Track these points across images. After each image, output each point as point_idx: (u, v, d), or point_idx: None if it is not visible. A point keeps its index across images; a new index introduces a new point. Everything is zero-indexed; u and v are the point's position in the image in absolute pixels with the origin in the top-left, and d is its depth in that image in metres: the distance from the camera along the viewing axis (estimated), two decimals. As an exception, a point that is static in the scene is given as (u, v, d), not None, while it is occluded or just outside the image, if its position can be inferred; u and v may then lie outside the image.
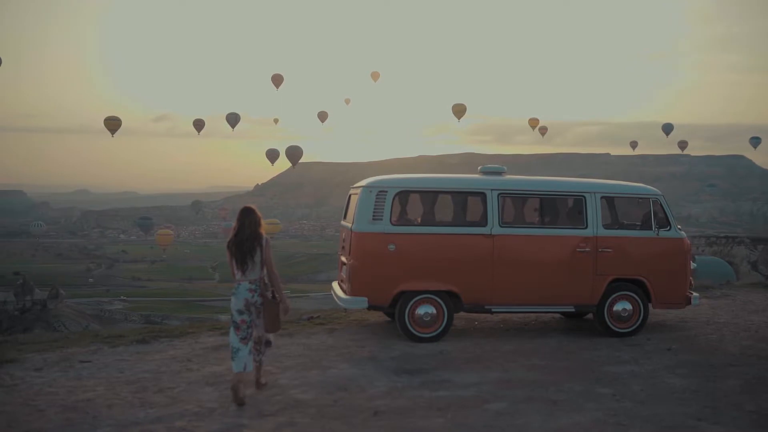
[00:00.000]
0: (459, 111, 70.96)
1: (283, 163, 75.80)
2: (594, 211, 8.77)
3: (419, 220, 8.83)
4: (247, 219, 6.28)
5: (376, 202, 8.44)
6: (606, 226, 8.88)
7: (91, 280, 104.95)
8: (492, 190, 8.63)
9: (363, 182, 8.87)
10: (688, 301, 9.06)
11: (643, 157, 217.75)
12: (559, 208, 9.16)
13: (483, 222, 8.58)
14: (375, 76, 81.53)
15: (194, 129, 78.66)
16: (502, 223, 8.60)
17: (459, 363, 7.50)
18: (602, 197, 8.89)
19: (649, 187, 9.34)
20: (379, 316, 9.70)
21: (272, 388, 6.46)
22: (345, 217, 9.30)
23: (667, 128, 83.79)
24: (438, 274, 8.44)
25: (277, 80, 70.18)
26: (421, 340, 8.37)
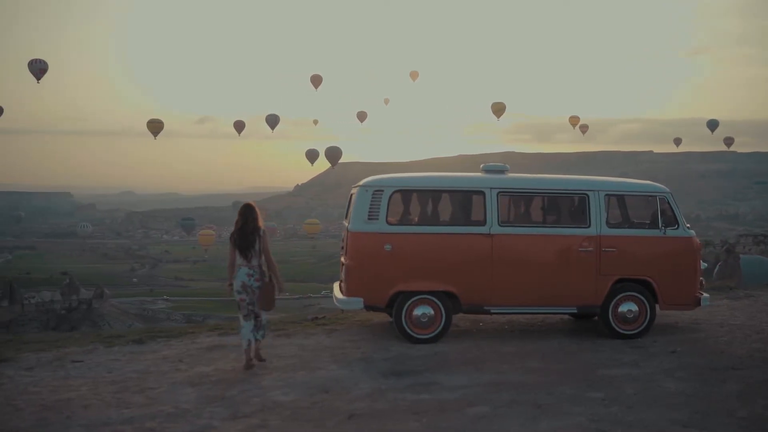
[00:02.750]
0: (498, 110, 70.34)
1: (323, 164, 76.24)
2: (597, 210, 8.52)
3: (416, 219, 8.70)
4: (250, 215, 7.22)
5: (372, 201, 8.34)
6: (610, 225, 8.63)
7: (135, 279, 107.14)
8: (491, 188, 8.46)
9: (361, 181, 8.78)
10: (698, 302, 8.75)
11: (687, 155, 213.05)
12: (561, 206, 8.94)
13: (482, 221, 8.41)
14: (414, 75, 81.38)
15: (235, 130, 79.58)
16: (502, 223, 8.42)
17: (452, 365, 7.35)
18: (606, 195, 8.64)
19: (656, 184, 9.05)
20: (383, 318, 9.60)
21: (253, 389, 6.42)
22: (346, 216, 9.23)
23: (712, 124, 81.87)
24: (435, 274, 8.30)
25: (316, 81, 70.50)
26: (418, 341, 8.24)
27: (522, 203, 8.87)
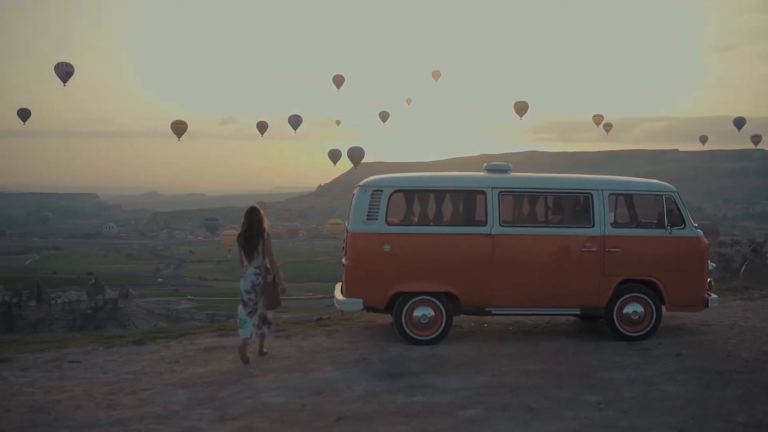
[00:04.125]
0: (521, 109, 69.95)
1: (346, 164, 76.45)
2: (601, 209, 8.37)
3: (416, 219, 8.61)
4: (254, 217, 7.52)
5: (371, 201, 8.27)
6: (614, 225, 8.48)
7: (159, 279, 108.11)
8: (492, 188, 8.34)
9: (361, 182, 8.72)
10: (706, 304, 8.55)
11: (713, 153, 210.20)
12: (564, 206, 8.79)
13: (483, 221, 8.31)
14: (436, 75, 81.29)
15: (258, 131, 79.97)
16: (503, 223, 8.31)
17: (449, 367, 7.26)
18: (610, 194, 8.49)
19: (662, 183, 8.88)
20: (386, 319, 9.50)
21: (245, 390, 6.39)
22: (347, 217, 9.17)
23: (739, 122, 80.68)
24: (435, 275, 8.21)
25: (339, 81, 70.63)
26: (418, 342, 8.15)
27: (524, 203, 8.76)
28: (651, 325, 8.41)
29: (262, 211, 7.61)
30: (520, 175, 8.80)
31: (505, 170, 8.82)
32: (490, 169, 8.85)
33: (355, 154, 74.00)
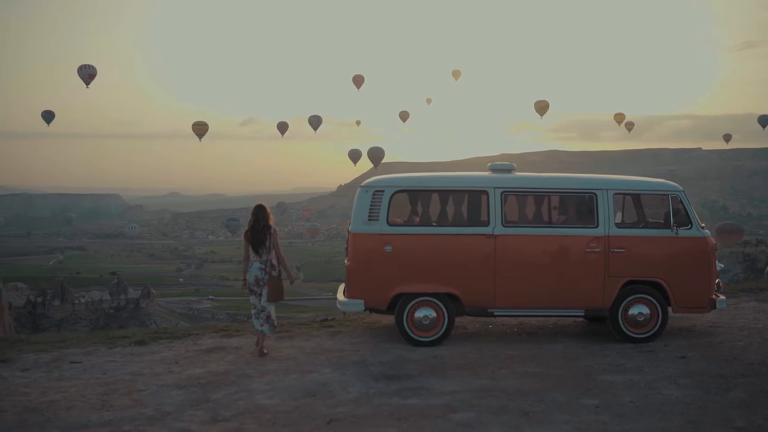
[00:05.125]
0: (542, 108, 69.46)
1: (366, 164, 76.43)
2: (606, 209, 8.25)
3: (418, 220, 8.54)
4: (261, 214, 7.83)
5: (372, 202, 8.22)
6: (619, 225, 8.36)
7: (181, 279, 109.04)
8: (495, 188, 8.26)
9: (363, 182, 8.68)
10: (713, 305, 8.39)
11: (738, 151, 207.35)
12: (567, 206, 8.69)
13: (485, 221, 8.22)
14: (456, 74, 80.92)
15: (278, 132, 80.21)
16: (506, 223, 8.22)
17: (448, 369, 7.19)
18: (615, 194, 8.37)
19: (668, 182, 8.73)
20: (391, 320, 9.44)
21: (240, 392, 6.37)
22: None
23: (764, 120, 79.40)
24: (437, 276, 8.14)
25: (359, 81, 70.62)
26: (420, 344, 8.10)
27: (527, 203, 8.65)
28: (657, 327, 8.27)
29: (268, 209, 7.91)
30: (523, 175, 8.70)
31: (508, 170, 8.73)
32: (493, 169, 8.77)
33: (375, 154, 73.95)
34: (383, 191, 8.26)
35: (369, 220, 8.20)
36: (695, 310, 8.52)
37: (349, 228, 8.39)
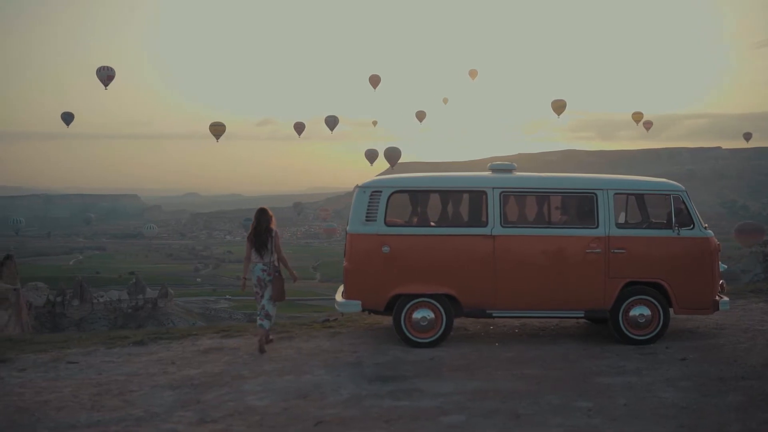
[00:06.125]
0: (559, 107, 69.06)
1: (382, 164, 76.39)
2: (606, 209, 8.16)
3: (416, 220, 8.49)
4: (262, 217, 8.16)
5: (369, 202, 8.19)
6: (620, 225, 8.25)
7: (198, 279, 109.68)
8: (494, 188, 8.19)
9: (361, 182, 8.64)
10: (716, 307, 8.26)
11: (758, 150, 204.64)
12: (567, 206, 8.59)
13: (483, 222, 8.16)
14: (473, 74, 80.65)
15: (295, 132, 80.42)
16: (505, 223, 8.15)
17: (444, 370, 7.14)
18: (616, 194, 8.27)
19: (670, 182, 8.60)
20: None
21: (231, 393, 6.36)
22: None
23: (784, 118, 78.44)
24: (435, 276, 8.09)
25: (375, 81, 70.61)
26: (418, 345, 8.05)
27: (526, 203, 8.57)
28: (658, 329, 8.16)
29: (270, 212, 8.29)
30: (522, 175, 8.62)
31: (508, 170, 8.66)
32: (493, 169, 8.70)
33: (392, 154, 73.91)
34: (381, 192, 8.22)
35: (366, 220, 8.16)
36: (697, 311, 8.39)
37: (347, 228, 8.37)
